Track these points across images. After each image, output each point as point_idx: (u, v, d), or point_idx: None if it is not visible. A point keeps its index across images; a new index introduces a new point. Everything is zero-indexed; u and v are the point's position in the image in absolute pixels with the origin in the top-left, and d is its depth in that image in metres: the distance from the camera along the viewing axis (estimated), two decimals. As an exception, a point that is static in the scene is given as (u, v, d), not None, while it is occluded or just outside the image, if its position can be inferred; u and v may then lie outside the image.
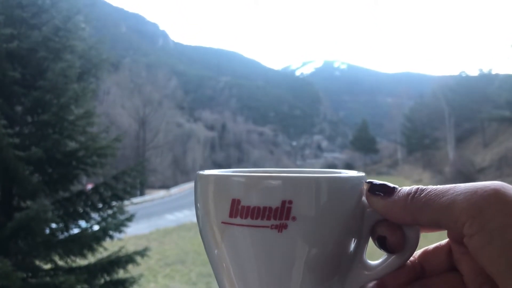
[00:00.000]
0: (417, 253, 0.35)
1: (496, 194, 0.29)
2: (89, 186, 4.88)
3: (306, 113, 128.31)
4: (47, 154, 3.92)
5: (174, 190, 30.76)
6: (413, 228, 0.33)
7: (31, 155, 3.70)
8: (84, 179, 5.28)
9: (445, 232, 0.33)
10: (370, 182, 0.34)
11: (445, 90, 35.95)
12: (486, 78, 32.71)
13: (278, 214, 0.31)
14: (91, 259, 4.28)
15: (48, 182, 4.16)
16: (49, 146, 3.97)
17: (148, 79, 50.22)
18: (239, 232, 0.32)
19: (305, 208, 0.31)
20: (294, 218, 0.31)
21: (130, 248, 4.79)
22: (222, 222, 0.32)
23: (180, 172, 46.27)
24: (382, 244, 0.33)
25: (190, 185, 32.04)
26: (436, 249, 0.35)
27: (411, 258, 0.34)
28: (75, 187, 4.56)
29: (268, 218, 0.31)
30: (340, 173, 0.36)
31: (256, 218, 0.31)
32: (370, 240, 0.35)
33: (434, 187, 0.32)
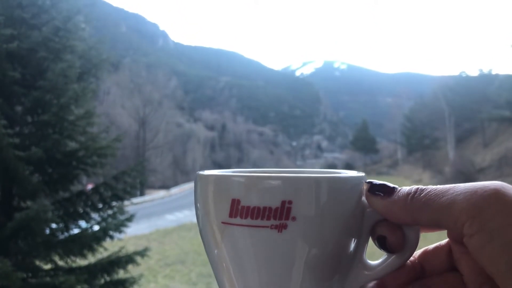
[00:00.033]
0: (417, 253, 0.35)
1: (496, 194, 0.29)
2: (89, 186, 4.88)
3: (306, 113, 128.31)
4: (47, 154, 3.92)
5: (174, 190, 30.77)
6: (413, 228, 0.33)
7: (31, 155, 3.70)
8: (84, 179, 5.28)
9: (445, 232, 0.33)
10: (370, 182, 0.34)
11: (445, 90, 35.94)
12: (486, 78, 32.72)
13: (278, 214, 0.31)
14: (91, 259, 4.28)
15: (48, 182, 4.16)
16: (49, 146, 3.97)
17: (148, 79, 50.22)
18: (239, 232, 0.32)
19: (305, 208, 0.31)
20: (294, 218, 0.31)
21: (130, 248, 4.79)
22: (222, 222, 0.32)
23: (180, 172, 46.27)
24: (382, 244, 0.33)
25: (190, 185, 32.04)
26: (436, 249, 0.35)
27: (411, 258, 0.34)
28: (75, 187, 4.56)
29: (268, 218, 0.31)
30: (340, 173, 0.36)
31: (256, 218, 0.31)
32: (370, 240, 0.35)
33: (434, 187, 0.32)
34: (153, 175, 35.66)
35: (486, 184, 0.30)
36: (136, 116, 38.51)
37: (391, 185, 0.33)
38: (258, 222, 0.31)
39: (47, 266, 4.11)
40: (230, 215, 0.32)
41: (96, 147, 4.25)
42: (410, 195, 0.32)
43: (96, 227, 4.33)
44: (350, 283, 0.34)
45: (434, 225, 0.32)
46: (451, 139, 34.49)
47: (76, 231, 4.26)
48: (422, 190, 0.32)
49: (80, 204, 4.37)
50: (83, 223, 4.40)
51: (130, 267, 4.34)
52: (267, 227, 0.31)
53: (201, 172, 0.35)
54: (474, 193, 0.29)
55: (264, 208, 0.31)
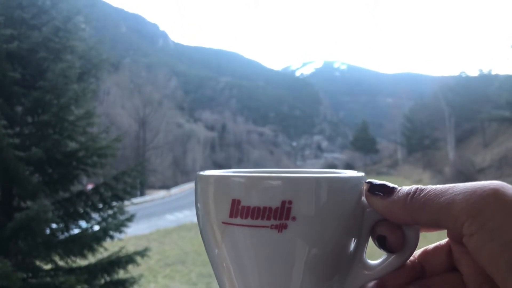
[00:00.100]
0: (417, 252, 0.35)
1: (495, 194, 0.29)
2: (89, 187, 4.88)
3: (306, 114, 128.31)
4: (47, 154, 3.92)
5: (174, 191, 30.77)
6: (413, 228, 0.33)
7: (31, 155, 3.70)
8: (84, 179, 5.28)
9: (444, 232, 0.33)
10: (370, 182, 0.34)
11: (445, 91, 35.92)
12: (486, 79, 32.69)
13: (278, 214, 0.31)
14: (91, 259, 4.28)
15: (48, 183, 4.15)
16: (49, 147, 3.97)
17: (148, 80, 50.23)
18: (239, 232, 0.32)
19: (305, 208, 0.31)
20: (294, 218, 0.31)
21: (130, 248, 4.78)
22: (223, 222, 0.32)
23: (180, 173, 46.28)
24: (382, 244, 0.33)
25: (190, 185, 32.05)
26: (436, 248, 0.35)
27: (411, 258, 0.34)
28: (75, 188, 4.56)
29: (268, 218, 0.31)
30: (339, 173, 0.36)
31: (256, 218, 0.31)
32: (370, 240, 0.35)
33: (434, 187, 0.32)
34: (153, 175, 35.66)
35: (485, 183, 0.30)
36: (136, 116, 38.50)
37: (391, 185, 0.33)
38: (258, 222, 0.31)
39: (47, 266, 4.11)
40: (231, 215, 0.32)
41: (96, 148, 4.24)
42: (410, 195, 0.32)
43: (96, 227, 4.33)
44: (350, 283, 0.34)
45: (434, 225, 0.32)
46: (451, 139, 34.48)
47: (76, 231, 4.26)
48: (422, 190, 0.32)
49: (80, 204, 4.36)
50: (83, 223, 4.40)
51: (130, 267, 4.34)
52: (267, 227, 0.31)
53: (201, 173, 0.35)
54: (473, 193, 0.29)
55: (264, 208, 0.31)
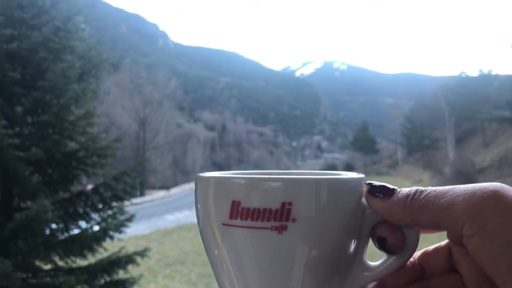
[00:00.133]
0: (417, 254, 0.35)
1: (495, 195, 0.29)
2: (89, 187, 4.88)
3: (306, 114, 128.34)
4: (47, 154, 3.92)
5: (174, 191, 30.79)
6: (413, 229, 0.33)
7: (31, 155, 3.70)
8: (84, 179, 5.28)
9: (444, 233, 0.33)
10: (370, 184, 0.34)
11: (445, 91, 35.91)
12: (486, 79, 32.67)
13: (278, 216, 0.31)
14: (91, 259, 4.28)
15: (48, 183, 4.15)
16: (49, 147, 3.97)
17: (148, 80, 50.25)
18: (239, 234, 0.32)
19: (305, 209, 0.31)
20: (294, 220, 0.31)
21: (130, 248, 4.79)
22: (223, 224, 0.32)
23: (180, 173, 46.29)
24: (382, 245, 0.33)
25: (190, 186, 32.07)
26: (436, 250, 0.35)
27: (411, 259, 0.35)
28: (75, 188, 4.56)
29: (268, 220, 0.31)
30: (340, 174, 0.36)
31: (256, 220, 0.31)
32: (370, 241, 0.35)
33: (434, 188, 0.32)
34: (153, 176, 35.66)
35: (485, 185, 0.30)
36: (136, 116, 38.51)
37: (391, 186, 0.33)
38: (259, 223, 0.31)
39: (47, 267, 4.11)
40: (231, 217, 0.32)
41: (96, 148, 4.25)
42: (410, 196, 0.32)
43: (96, 228, 4.33)
44: (350, 284, 0.34)
45: (434, 226, 0.32)
46: (451, 139, 34.47)
47: (76, 231, 4.26)
48: (422, 191, 0.32)
49: (80, 205, 4.36)
50: (83, 224, 4.40)
51: (130, 267, 4.34)
52: (267, 228, 0.31)
53: (201, 174, 0.35)
54: (473, 195, 0.29)
55: (264, 209, 0.31)
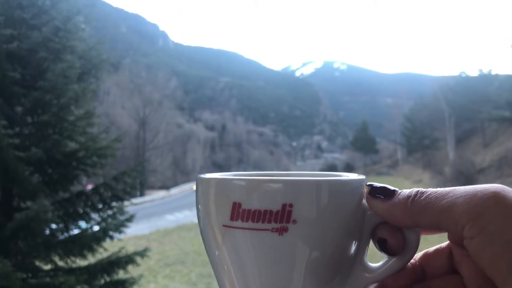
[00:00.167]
0: (418, 255, 0.35)
1: (496, 197, 0.29)
2: (89, 187, 4.88)
3: (306, 114, 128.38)
4: (47, 154, 3.92)
5: (174, 191, 30.81)
6: (414, 231, 0.33)
7: (31, 155, 3.70)
8: (84, 179, 5.28)
9: (445, 235, 0.33)
10: (371, 185, 0.34)
11: (445, 91, 35.91)
12: (486, 79, 32.66)
13: (279, 217, 0.31)
14: (91, 259, 4.28)
15: (48, 183, 4.15)
16: (49, 147, 3.97)
17: (148, 80, 50.28)
18: (240, 235, 0.32)
19: (305, 211, 0.31)
20: (294, 221, 0.31)
21: (130, 248, 4.79)
22: (223, 225, 0.32)
23: (180, 173, 46.32)
24: (382, 246, 0.33)
25: (190, 186, 32.09)
26: (436, 251, 0.35)
27: (412, 261, 0.35)
28: (75, 188, 4.56)
29: (269, 221, 0.31)
30: (340, 176, 0.36)
31: (257, 221, 0.31)
32: (371, 242, 0.35)
33: (434, 190, 0.32)
34: (153, 176, 35.66)
35: (486, 187, 0.30)
36: (136, 116, 38.52)
37: (392, 188, 0.34)
38: (259, 225, 0.31)
39: (47, 267, 4.11)
40: (231, 218, 0.32)
41: (96, 148, 4.25)
42: (411, 198, 0.32)
43: (96, 228, 4.33)
44: (351, 286, 0.34)
45: (435, 228, 0.32)
46: (451, 139, 34.47)
47: (76, 231, 4.26)
48: (423, 193, 0.32)
49: (80, 205, 4.37)
50: (83, 224, 4.40)
51: (130, 267, 4.34)
52: (268, 230, 0.31)
53: (202, 176, 0.35)
54: (474, 196, 0.29)
55: (265, 211, 0.31)
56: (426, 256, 0.35)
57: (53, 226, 4.14)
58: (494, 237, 0.28)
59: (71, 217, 4.28)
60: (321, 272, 0.33)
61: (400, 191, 0.33)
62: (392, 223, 0.33)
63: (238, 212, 0.31)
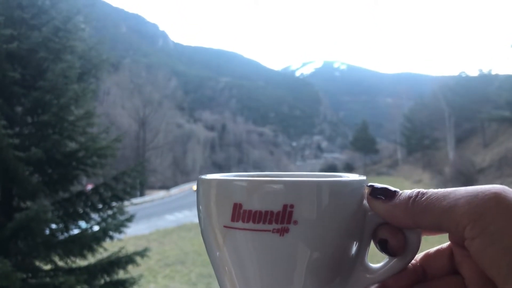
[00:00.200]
0: (419, 256, 0.35)
1: (497, 198, 0.29)
2: (89, 187, 4.88)
3: (306, 114, 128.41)
4: (47, 154, 3.92)
5: (174, 191, 30.82)
6: (415, 231, 0.33)
7: (31, 155, 3.70)
8: (84, 179, 5.28)
9: (446, 235, 0.33)
10: (372, 186, 0.34)
11: (445, 91, 35.92)
12: (486, 79, 32.66)
13: (280, 218, 0.31)
14: (91, 259, 4.28)
15: (48, 183, 4.15)
16: (49, 147, 3.97)
17: (148, 80, 50.29)
18: (241, 236, 0.32)
19: (306, 212, 0.31)
20: (295, 222, 0.31)
21: (130, 248, 4.79)
22: (224, 226, 0.32)
23: (180, 173, 46.34)
24: (383, 247, 0.33)
25: (190, 186, 32.12)
26: (437, 252, 0.35)
27: (413, 261, 0.35)
28: (75, 188, 4.56)
29: (270, 222, 0.31)
30: (341, 176, 0.36)
31: (258, 222, 0.31)
32: (372, 243, 0.35)
33: (435, 190, 0.32)
34: (153, 176, 35.67)
35: (487, 187, 0.30)
36: (136, 116, 38.53)
37: (393, 188, 0.33)
38: (260, 226, 0.31)
39: (47, 267, 4.11)
40: (232, 219, 0.32)
41: (96, 148, 4.25)
42: (412, 198, 0.32)
43: (96, 228, 4.33)
44: (352, 286, 0.34)
45: (436, 229, 0.32)
46: (451, 139, 34.47)
47: (76, 231, 4.26)
48: (424, 193, 0.32)
49: (80, 205, 4.37)
50: (83, 224, 4.40)
51: (130, 267, 4.34)
52: (269, 231, 0.31)
53: (203, 176, 0.35)
54: (475, 197, 0.29)
55: (266, 212, 0.31)
56: (427, 256, 0.35)
57: (53, 226, 4.14)
58: (494, 238, 0.28)
59: (71, 217, 4.28)
60: (322, 272, 0.33)
61: (401, 192, 0.33)
62: (393, 224, 0.33)
63: (239, 213, 0.31)
